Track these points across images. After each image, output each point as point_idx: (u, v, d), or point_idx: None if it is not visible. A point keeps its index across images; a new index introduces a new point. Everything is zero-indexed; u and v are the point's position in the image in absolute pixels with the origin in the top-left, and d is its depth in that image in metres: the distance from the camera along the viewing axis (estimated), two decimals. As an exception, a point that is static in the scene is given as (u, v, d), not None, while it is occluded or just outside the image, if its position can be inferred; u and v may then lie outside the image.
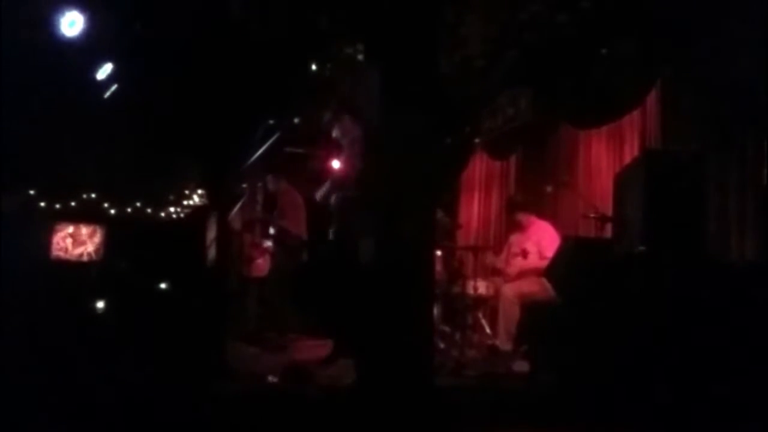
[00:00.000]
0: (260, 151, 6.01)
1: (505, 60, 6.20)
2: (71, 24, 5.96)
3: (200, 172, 9.19)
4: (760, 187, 4.40)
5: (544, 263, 5.75)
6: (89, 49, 6.24)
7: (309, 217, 6.76)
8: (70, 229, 7.10)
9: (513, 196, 7.20)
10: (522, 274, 6.03)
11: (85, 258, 7.07)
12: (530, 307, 5.63)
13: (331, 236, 5.80)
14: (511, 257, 6.39)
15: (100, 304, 6.20)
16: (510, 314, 5.82)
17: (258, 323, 6.74)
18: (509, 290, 5.94)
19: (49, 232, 7.07)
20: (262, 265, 6.93)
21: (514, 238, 6.46)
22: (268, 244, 6.79)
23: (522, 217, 6.31)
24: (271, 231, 6.80)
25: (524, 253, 6.16)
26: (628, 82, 5.52)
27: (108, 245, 7.15)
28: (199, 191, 9.86)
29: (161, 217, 10.27)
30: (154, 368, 4.56)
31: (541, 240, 6.03)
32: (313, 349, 6.24)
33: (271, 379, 4.67)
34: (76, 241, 7.08)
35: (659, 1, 5.12)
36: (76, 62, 6.44)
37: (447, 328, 6.52)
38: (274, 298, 6.57)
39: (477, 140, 8.37)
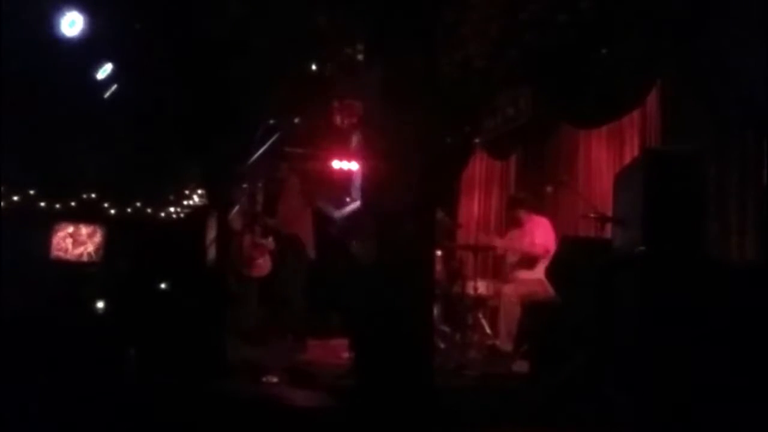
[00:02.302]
0: (260, 151, 6.01)
1: (505, 60, 6.20)
2: (71, 24, 5.96)
3: (200, 172, 9.18)
4: (760, 187, 4.39)
5: (537, 249, 5.95)
6: (89, 49, 6.24)
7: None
8: (70, 229, 7.11)
9: (515, 193, 7.27)
10: (512, 251, 6.15)
11: (85, 258, 7.08)
12: (530, 307, 5.64)
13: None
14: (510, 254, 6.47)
15: (100, 304, 6.20)
16: (511, 314, 5.83)
17: (258, 323, 6.73)
18: (510, 290, 5.95)
19: (49, 232, 7.08)
20: (262, 265, 6.93)
21: (513, 234, 6.50)
22: (270, 242, 6.74)
23: (522, 214, 6.38)
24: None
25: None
26: (628, 82, 5.52)
27: (108, 245, 7.16)
28: (199, 191, 9.86)
29: (161, 217, 10.26)
30: (154, 368, 4.56)
31: (538, 233, 6.12)
32: (317, 348, 6.26)
33: (269, 379, 4.66)
34: (76, 241, 7.09)
35: (659, 1, 5.12)
36: (76, 62, 6.44)
37: (447, 328, 6.53)
38: (281, 297, 6.53)
39: (477, 140, 8.37)
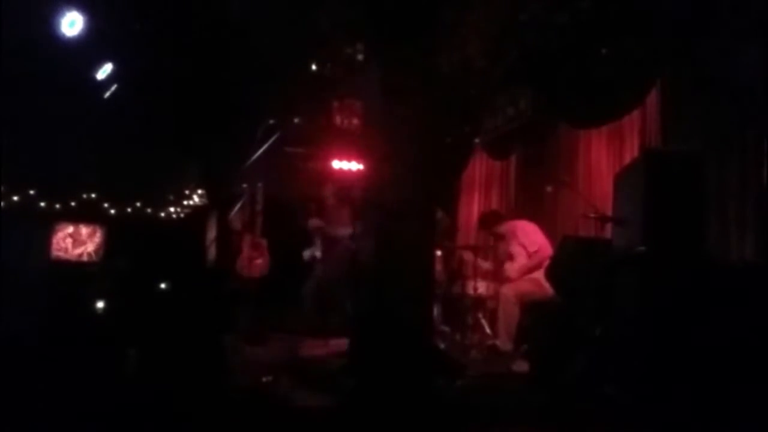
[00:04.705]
0: (260, 151, 6.02)
1: (505, 60, 6.20)
2: (71, 24, 5.96)
3: (200, 172, 9.19)
4: (760, 187, 4.39)
5: (537, 258, 5.83)
6: (89, 49, 6.24)
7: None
8: (70, 229, 7.10)
9: (482, 213, 7.27)
10: (522, 275, 6.03)
11: (85, 258, 7.07)
12: (530, 307, 5.63)
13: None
14: (499, 266, 6.43)
15: (100, 304, 6.20)
16: (510, 314, 5.81)
17: (260, 323, 6.73)
18: (509, 290, 5.94)
19: (49, 232, 7.07)
20: (262, 264, 6.93)
21: (501, 248, 6.49)
22: (317, 254, 6.78)
23: (497, 228, 6.39)
24: (317, 242, 6.79)
25: (511, 257, 6.19)
26: (629, 81, 5.52)
27: (108, 245, 7.16)
28: (199, 191, 9.87)
29: (161, 217, 10.26)
30: (154, 368, 4.56)
31: (522, 237, 6.08)
32: (317, 348, 6.25)
33: (268, 379, 4.67)
34: (76, 241, 7.09)
35: (659, 1, 5.12)
36: (76, 62, 6.45)
37: (447, 328, 6.52)
38: (331, 298, 6.56)
39: (477, 140, 8.37)
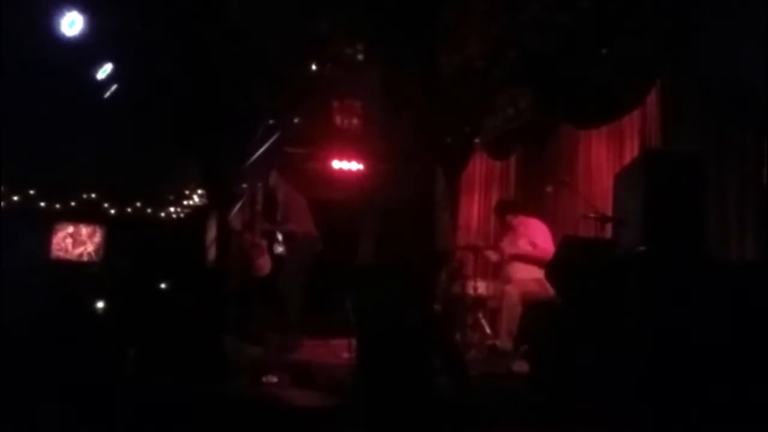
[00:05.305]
0: (260, 151, 6.01)
1: (505, 60, 6.21)
2: (71, 24, 5.96)
3: (200, 172, 9.20)
4: (760, 187, 4.40)
5: (539, 252, 5.87)
6: (89, 49, 6.24)
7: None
8: (70, 229, 7.12)
9: (502, 199, 7.26)
10: (518, 258, 6.06)
11: (85, 258, 7.08)
12: (530, 307, 5.63)
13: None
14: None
15: (100, 304, 6.20)
16: (513, 314, 5.82)
17: (260, 323, 6.73)
18: (514, 290, 5.94)
19: (49, 232, 7.08)
20: (262, 264, 6.92)
21: (507, 240, 6.48)
22: (280, 249, 6.62)
23: (510, 218, 6.37)
24: (279, 237, 6.64)
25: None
26: (628, 82, 5.52)
27: (108, 245, 7.17)
28: (199, 191, 9.87)
29: (161, 217, 10.26)
30: (154, 368, 4.56)
31: (531, 234, 6.09)
32: (317, 348, 6.26)
33: (269, 379, 4.67)
34: (76, 241, 7.10)
35: (660, 1, 5.12)
36: (76, 62, 6.45)
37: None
38: (284, 298, 6.43)
39: (477, 140, 8.37)
